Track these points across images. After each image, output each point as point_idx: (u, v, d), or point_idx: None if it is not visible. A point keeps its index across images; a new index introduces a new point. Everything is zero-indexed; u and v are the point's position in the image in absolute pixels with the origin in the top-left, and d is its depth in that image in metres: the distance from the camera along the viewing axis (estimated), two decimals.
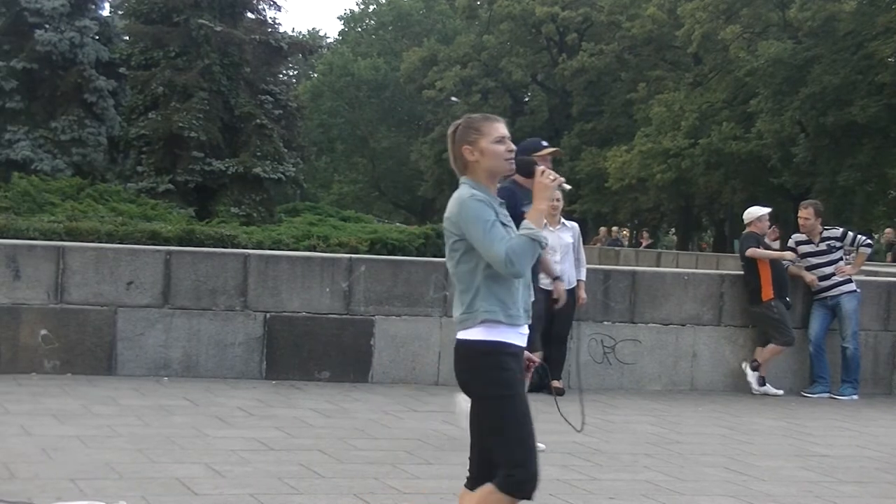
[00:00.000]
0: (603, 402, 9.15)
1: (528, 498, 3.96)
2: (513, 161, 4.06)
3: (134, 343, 8.90)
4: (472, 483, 4.12)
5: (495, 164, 4.03)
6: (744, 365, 10.28)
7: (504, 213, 4.02)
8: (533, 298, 4.17)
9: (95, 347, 8.83)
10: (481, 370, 3.96)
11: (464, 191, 4.01)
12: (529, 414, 3.97)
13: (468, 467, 4.16)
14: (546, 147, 7.05)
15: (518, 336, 4.01)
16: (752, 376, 10.23)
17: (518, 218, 4.08)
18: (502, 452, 3.94)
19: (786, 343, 10.19)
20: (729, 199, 41.80)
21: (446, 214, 4.03)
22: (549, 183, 4.05)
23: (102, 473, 5.72)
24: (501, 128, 4.06)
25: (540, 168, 4.11)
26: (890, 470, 7.28)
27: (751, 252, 10.21)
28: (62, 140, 28.18)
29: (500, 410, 3.94)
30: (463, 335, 4.00)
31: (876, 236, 28.01)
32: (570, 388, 9.40)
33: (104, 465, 5.88)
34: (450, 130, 4.11)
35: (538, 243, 3.92)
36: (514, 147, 4.08)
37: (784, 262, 10.51)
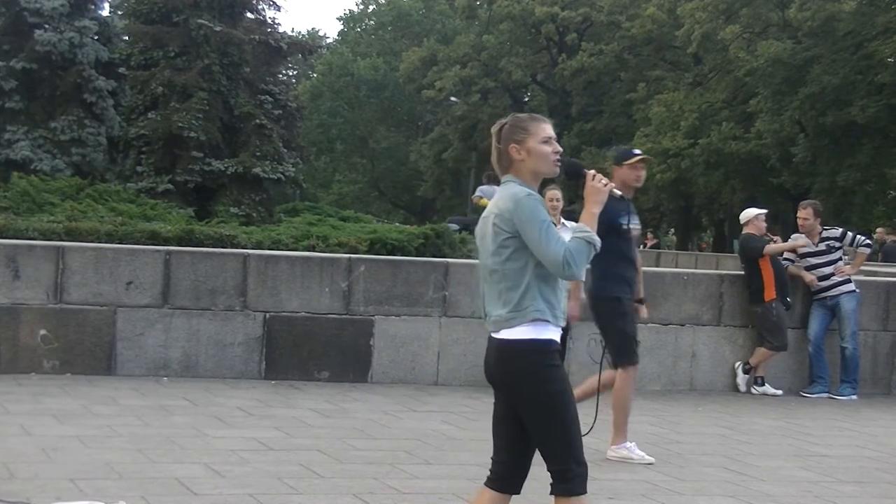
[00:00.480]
0: (602, 403, 9.11)
1: (585, 491, 3.97)
2: (559, 163, 4.05)
3: (133, 343, 8.90)
4: (497, 484, 4.07)
5: (541, 165, 4.02)
6: (737, 365, 10.29)
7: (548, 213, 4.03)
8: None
9: (95, 347, 8.83)
10: (536, 369, 3.92)
11: (517, 189, 3.97)
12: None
13: (491, 467, 4.10)
14: (637, 155, 7.16)
15: (558, 335, 4.01)
16: (741, 378, 10.27)
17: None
18: (563, 448, 3.92)
19: (777, 348, 10.22)
20: (728, 199, 41.79)
21: (496, 211, 3.98)
22: (601, 187, 4.06)
23: (102, 473, 5.73)
24: (549, 129, 4.05)
25: (591, 172, 4.12)
26: (889, 470, 7.28)
27: (769, 249, 10.25)
28: (62, 140, 28.09)
29: (561, 404, 3.92)
30: (509, 334, 3.94)
31: (875, 237, 27.97)
32: None
33: (104, 465, 5.88)
34: (495, 128, 4.09)
35: (592, 246, 3.93)
36: (560, 149, 4.07)
37: (796, 250, 10.60)
